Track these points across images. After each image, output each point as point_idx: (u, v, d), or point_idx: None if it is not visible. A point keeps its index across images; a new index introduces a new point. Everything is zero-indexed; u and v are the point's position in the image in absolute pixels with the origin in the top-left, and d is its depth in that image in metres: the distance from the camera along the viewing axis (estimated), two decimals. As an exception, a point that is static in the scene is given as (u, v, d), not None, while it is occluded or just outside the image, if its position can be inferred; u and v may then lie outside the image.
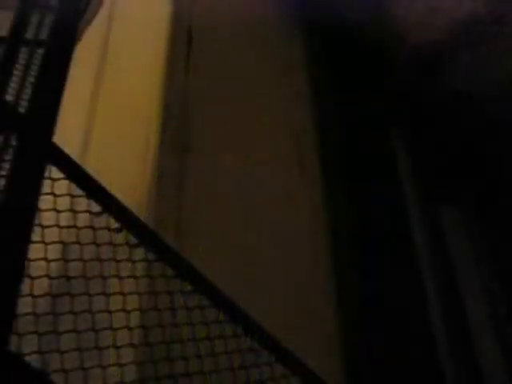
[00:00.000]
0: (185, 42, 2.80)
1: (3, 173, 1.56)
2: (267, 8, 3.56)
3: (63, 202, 1.50)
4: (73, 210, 1.50)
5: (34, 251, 1.38)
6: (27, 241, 1.34)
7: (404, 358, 2.70)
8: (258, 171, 2.82)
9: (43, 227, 1.43)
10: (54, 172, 1.46)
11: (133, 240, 1.59)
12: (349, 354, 2.55)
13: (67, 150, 1.54)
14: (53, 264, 1.48)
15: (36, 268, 1.40)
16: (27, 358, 1.28)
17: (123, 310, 1.56)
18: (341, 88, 3.49)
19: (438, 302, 3.24)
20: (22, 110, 1.73)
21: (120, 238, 1.57)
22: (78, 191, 1.50)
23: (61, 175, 1.47)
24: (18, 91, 1.91)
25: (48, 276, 1.45)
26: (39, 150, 1.47)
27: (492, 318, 3.36)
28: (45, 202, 1.44)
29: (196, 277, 1.67)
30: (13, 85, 1.93)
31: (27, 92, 1.85)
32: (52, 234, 1.47)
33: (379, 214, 3.14)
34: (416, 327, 2.89)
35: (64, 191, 1.49)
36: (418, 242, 3.32)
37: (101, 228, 1.53)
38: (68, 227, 1.50)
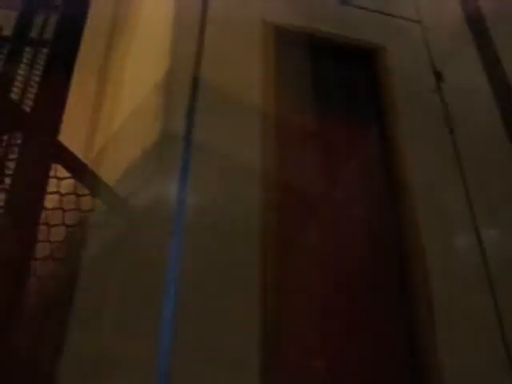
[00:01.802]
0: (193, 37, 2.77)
1: (9, 172, 1.56)
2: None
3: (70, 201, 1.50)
4: (79, 209, 1.50)
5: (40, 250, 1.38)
6: (33, 240, 1.34)
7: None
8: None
9: (49, 226, 1.43)
10: (59, 171, 1.45)
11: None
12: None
13: (72, 148, 1.53)
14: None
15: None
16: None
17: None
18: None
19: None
20: (26, 108, 1.73)
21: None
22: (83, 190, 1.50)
23: (66, 174, 1.47)
24: (23, 90, 1.90)
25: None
26: (44, 149, 1.47)
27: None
28: (51, 200, 1.43)
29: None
30: (18, 84, 1.92)
31: (32, 91, 1.84)
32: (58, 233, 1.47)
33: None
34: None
35: (70, 190, 1.49)
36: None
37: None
38: (74, 226, 1.50)
